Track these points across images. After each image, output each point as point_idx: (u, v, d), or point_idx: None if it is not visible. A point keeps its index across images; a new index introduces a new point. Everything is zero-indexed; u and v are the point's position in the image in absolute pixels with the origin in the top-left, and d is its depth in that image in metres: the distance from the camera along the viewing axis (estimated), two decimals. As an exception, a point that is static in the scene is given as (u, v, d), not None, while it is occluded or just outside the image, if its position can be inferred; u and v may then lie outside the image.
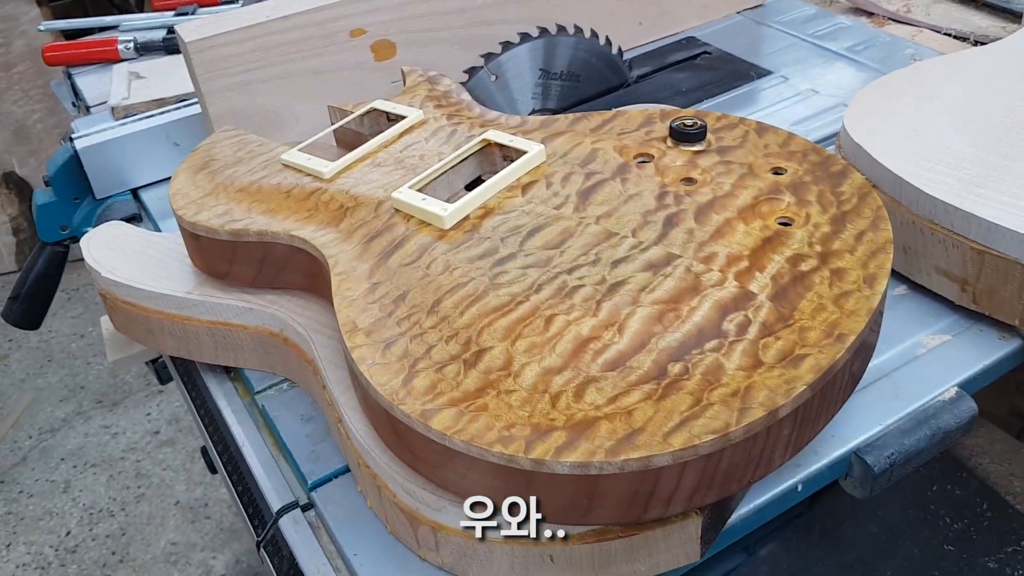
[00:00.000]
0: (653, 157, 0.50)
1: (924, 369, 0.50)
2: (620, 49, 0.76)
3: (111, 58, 0.93)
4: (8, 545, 1.45)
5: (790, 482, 0.45)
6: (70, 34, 1.12)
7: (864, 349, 0.41)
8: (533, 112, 0.75)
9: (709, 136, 0.51)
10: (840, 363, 0.38)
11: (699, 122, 0.51)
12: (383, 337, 0.41)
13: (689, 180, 0.48)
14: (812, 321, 0.39)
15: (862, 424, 0.47)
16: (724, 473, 0.37)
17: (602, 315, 0.40)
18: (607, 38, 0.75)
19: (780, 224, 0.45)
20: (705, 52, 0.82)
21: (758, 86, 0.77)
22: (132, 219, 0.70)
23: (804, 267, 0.42)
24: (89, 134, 0.71)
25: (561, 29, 0.73)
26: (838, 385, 0.40)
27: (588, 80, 0.76)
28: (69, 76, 0.94)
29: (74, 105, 0.95)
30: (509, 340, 0.40)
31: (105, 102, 0.83)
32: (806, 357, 0.38)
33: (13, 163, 1.97)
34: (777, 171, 0.49)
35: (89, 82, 0.91)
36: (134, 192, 0.73)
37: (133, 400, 1.69)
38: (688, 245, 0.43)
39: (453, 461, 0.37)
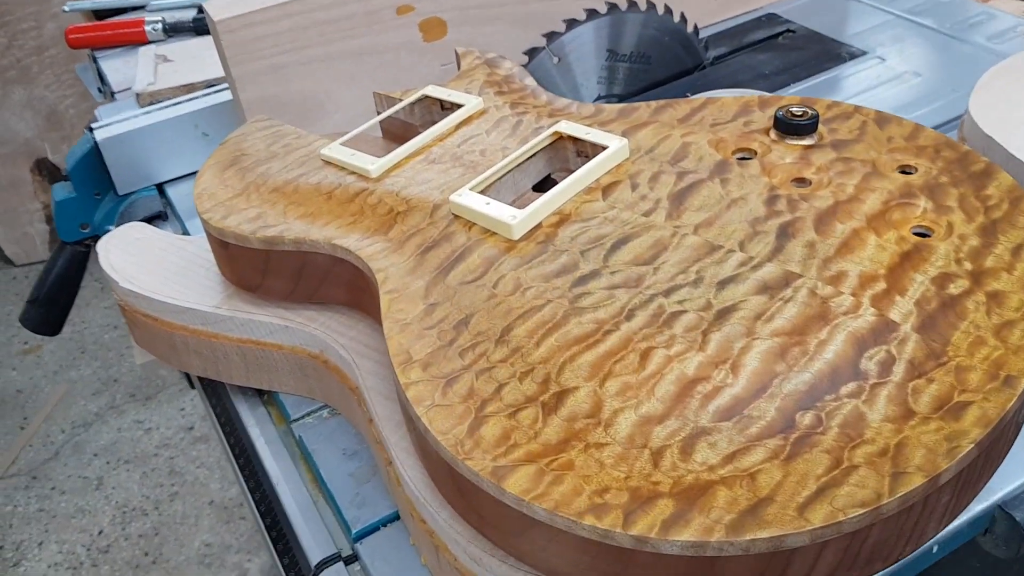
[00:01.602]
0: (756, 153, 0.43)
1: (1077, 404, 0.42)
2: (696, 27, 0.69)
3: (138, 40, 0.87)
4: (40, 544, 1.41)
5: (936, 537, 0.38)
6: (101, 14, 1.07)
7: (1032, 392, 0.34)
8: (599, 99, 0.68)
9: (821, 127, 0.44)
10: (1010, 413, 0.31)
11: (809, 111, 0.43)
12: (443, 371, 0.35)
13: (802, 181, 0.41)
14: (971, 359, 0.32)
15: (1007, 471, 0.39)
16: (870, 551, 0.29)
17: (710, 349, 0.33)
18: (682, 15, 0.67)
19: (917, 235, 0.37)
20: (788, 30, 0.74)
21: (850, 68, 0.69)
22: (157, 217, 0.64)
23: (954, 289, 0.34)
24: (110, 124, 0.65)
25: (631, 5, 0.66)
26: (1004, 438, 0.32)
27: (659, 62, 0.69)
28: (95, 60, 0.88)
29: (100, 91, 0.89)
30: (597, 379, 0.33)
31: (130, 88, 0.77)
32: (969, 406, 0.30)
33: (46, 149, 1.93)
34: (906, 170, 0.41)
35: (115, 66, 0.85)
36: (159, 187, 0.67)
37: (167, 394, 1.65)
38: (810, 262, 0.36)
39: (531, 530, 0.30)
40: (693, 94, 0.66)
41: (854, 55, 0.69)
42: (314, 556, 0.41)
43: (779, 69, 0.69)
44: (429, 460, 0.35)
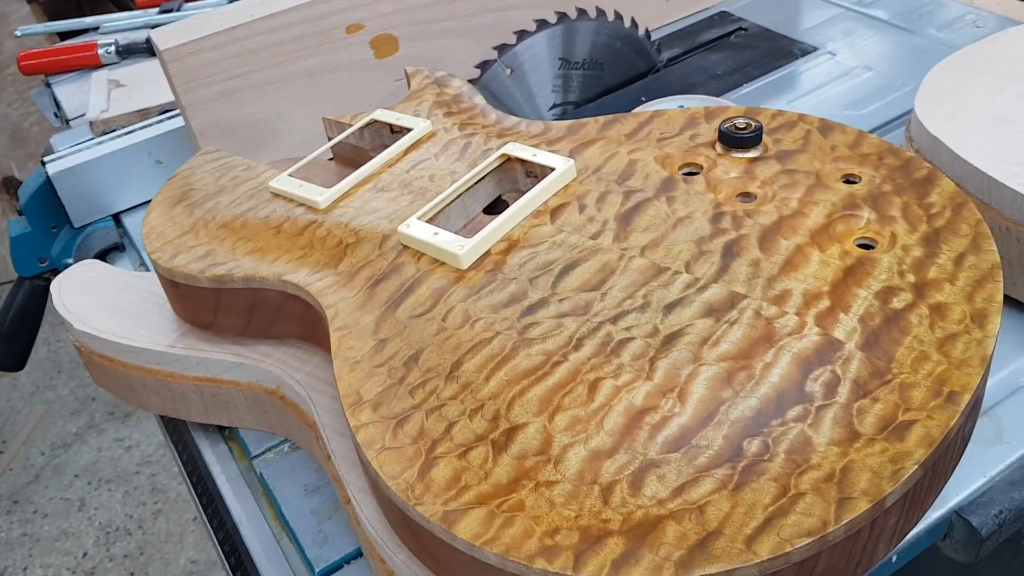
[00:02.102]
0: (702, 168, 0.43)
1: (1030, 403, 0.42)
2: (647, 31, 0.68)
3: (92, 63, 0.86)
4: (25, 569, 1.40)
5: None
6: (65, 35, 1.05)
7: (977, 405, 0.34)
8: (554, 107, 0.68)
9: (765, 139, 0.44)
10: (954, 430, 0.31)
11: (753, 123, 0.43)
12: (393, 411, 0.35)
13: (747, 195, 0.41)
14: (914, 376, 0.32)
15: (962, 477, 0.40)
16: (820, 578, 0.30)
17: (657, 377, 0.33)
18: (632, 19, 0.67)
19: (861, 247, 0.37)
20: (740, 28, 0.74)
21: (802, 65, 0.69)
22: (114, 248, 0.63)
23: (897, 304, 0.35)
24: (62, 156, 0.64)
25: (581, 12, 0.65)
26: (950, 455, 0.32)
27: (613, 67, 0.69)
28: (48, 85, 0.87)
29: (56, 116, 0.88)
30: (546, 414, 0.33)
31: (84, 114, 0.76)
32: (913, 425, 0.30)
33: (12, 167, 1.91)
34: (849, 179, 0.41)
35: (69, 91, 0.84)
36: (115, 217, 0.66)
37: (145, 411, 1.63)
38: (755, 281, 0.36)
39: (485, 574, 0.30)
40: (648, 98, 0.66)
41: (806, 52, 0.70)
42: (279, 596, 0.40)
43: (732, 69, 0.69)
44: (383, 502, 0.35)
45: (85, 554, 1.41)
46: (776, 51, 0.70)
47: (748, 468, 0.30)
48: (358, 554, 0.41)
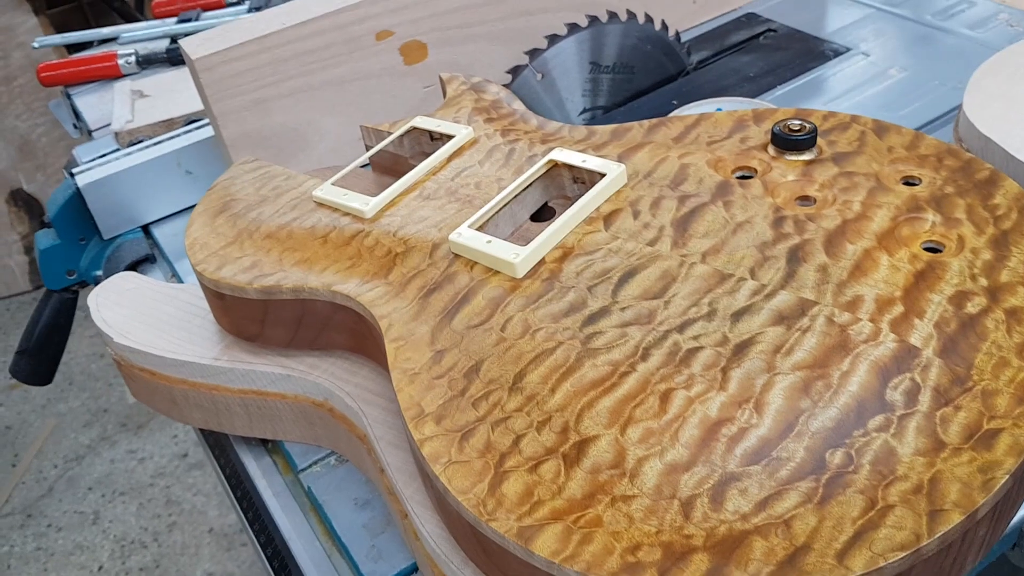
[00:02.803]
0: (756, 171, 0.42)
1: (1095, 408, 0.41)
2: (677, 33, 0.68)
3: (112, 74, 0.85)
4: (40, 583, 1.39)
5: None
6: (73, 47, 1.05)
7: (1059, 411, 0.33)
8: (584, 112, 0.67)
9: (819, 140, 0.43)
10: (1042, 437, 0.30)
11: (807, 124, 0.43)
12: (458, 424, 0.34)
13: (806, 199, 0.40)
14: (996, 382, 0.31)
15: (1031, 483, 0.39)
16: (911, 592, 0.29)
17: (732, 388, 0.32)
18: (663, 22, 0.67)
19: (927, 251, 0.37)
20: (769, 30, 0.74)
21: (835, 67, 0.68)
22: (145, 260, 0.62)
23: (972, 308, 0.34)
24: (91, 167, 0.63)
25: (612, 16, 0.65)
26: (1036, 462, 0.32)
27: (643, 70, 0.68)
28: (68, 96, 0.86)
29: (76, 127, 0.87)
30: (618, 426, 0.32)
31: (107, 124, 0.75)
32: (1000, 433, 0.30)
33: (20, 180, 1.90)
34: (910, 181, 0.40)
35: (89, 102, 0.84)
36: (145, 229, 0.65)
37: (158, 422, 1.63)
38: (824, 287, 0.35)
39: (563, 591, 0.30)
40: (679, 101, 0.65)
41: (838, 52, 0.69)
42: (334, 614, 0.40)
43: (763, 71, 0.68)
44: (450, 518, 0.34)
45: (100, 567, 1.40)
46: (807, 52, 0.70)
47: (833, 480, 0.29)
48: (413, 569, 0.40)
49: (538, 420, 0.33)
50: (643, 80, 0.69)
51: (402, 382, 0.36)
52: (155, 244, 0.64)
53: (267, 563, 0.43)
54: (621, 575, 0.28)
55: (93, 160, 0.65)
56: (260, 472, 0.46)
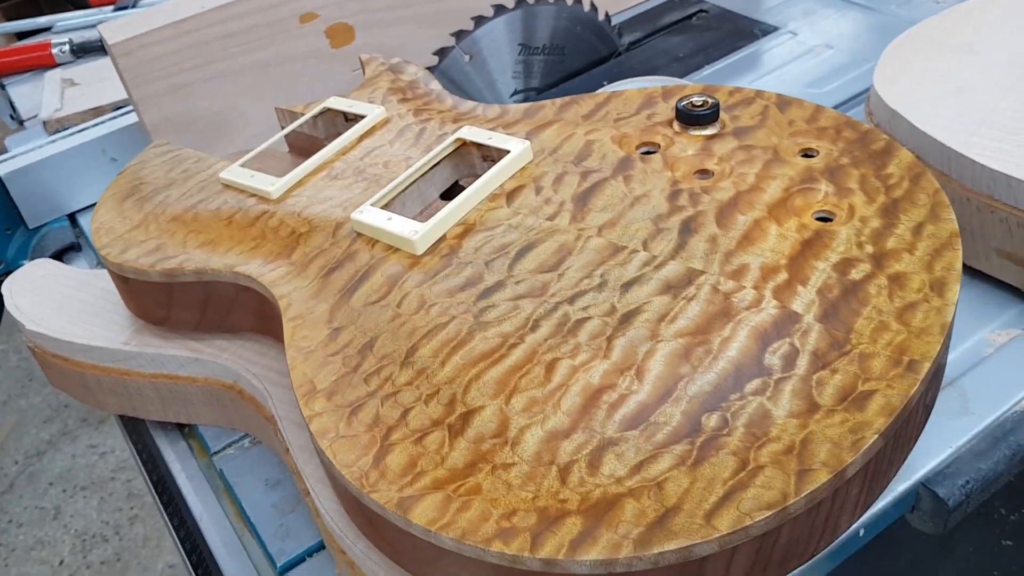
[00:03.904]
0: (659, 146, 0.42)
1: (994, 373, 0.42)
2: (607, 14, 0.68)
3: (46, 63, 0.85)
4: (-1, 580, 1.38)
5: (850, 528, 0.38)
6: (23, 35, 1.03)
7: (938, 374, 0.34)
8: (515, 93, 0.67)
9: (723, 115, 0.43)
10: (915, 398, 0.30)
11: (709, 100, 0.43)
12: (348, 399, 0.34)
13: (705, 172, 0.40)
14: (874, 345, 0.32)
15: (928, 448, 0.39)
16: (783, 551, 0.29)
17: (615, 356, 0.33)
18: (591, 3, 0.67)
19: (819, 220, 0.37)
20: (701, 10, 0.74)
21: (764, 45, 0.68)
22: (70, 248, 0.62)
23: (855, 275, 0.34)
24: (15, 156, 0.63)
25: (539, -3, 0.65)
26: (912, 424, 0.32)
27: (574, 52, 0.68)
28: (2, 86, 0.85)
29: (12, 118, 0.86)
30: (503, 396, 0.32)
31: (38, 114, 0.75)
32: (873, 395, 0.30)
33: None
34: (807, 153, 0.41)
35: (23, 92, 0.83)
36: (71, 217, 0.65)
37: (103, 411, 1.61)
38: (712, 257, 0.36)
39: (443, 559, 0.30)
40: (609, 82, 0.66)
41: (766, 32, 0.69)
42: (241, 593, 0.40)
43: (693, 51, 0.68)
44: (339, 492, 0.34)
45: (62, 562, 1.39)
46: (737, 32, 0.70)
47: (707, 443, 0.30)
48: (320, 547, 0.40)
49: (426, 393, 0.33)
50: (574, 62, 0.69)
51: (296, 360, 0.36)
52: (81, 232, 0.64)
53: (179, 545, 0.43)
54: (495, 540, 0.28)
55: (19, 149, 0.65)
56: (175, 456, 0.46)
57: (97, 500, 1.48)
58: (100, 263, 0.61)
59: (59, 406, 1.67)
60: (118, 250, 0.43)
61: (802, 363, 0.31)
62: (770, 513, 0.27)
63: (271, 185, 0.44)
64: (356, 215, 0.41)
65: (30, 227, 0.64)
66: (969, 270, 0.46)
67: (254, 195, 0.45)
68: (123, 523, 1.43)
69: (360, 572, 0.35)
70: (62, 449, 1.59)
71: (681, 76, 0.66)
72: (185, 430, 0.48)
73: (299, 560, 0.40)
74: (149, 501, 1.45)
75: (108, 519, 1.44)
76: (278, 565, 0.40)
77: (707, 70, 0.67)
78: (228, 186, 0.46)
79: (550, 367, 0.33)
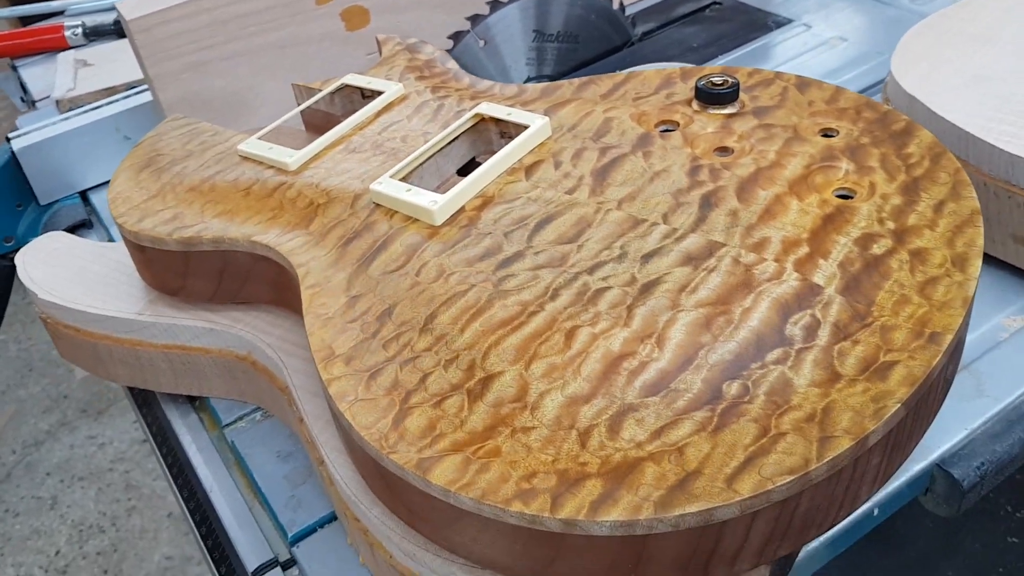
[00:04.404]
0: (679, 124, 0.42)
1: (1009, 357, 0.42)
2: (622, 4, 0.68)
3: (59, 46, 0.84)
4: (-4, 568, 1.38)
5: (864, 507, 0.37)
6: (29, 20, 1.03)
7: (959, 348, 0.33)
8: (528, 80, 0.67)
9: (742, 96, 0.43)
10: (936, 370, 0.30)
11: (730, 79, 0.43)
12: (367, 365, 0.34)
13: (724, 150, 0.40)
14: (895, 318, 0.32)
15: (943, 429, 0.39)
16: (802, 519, 0.29)
17: (635, 324, 0.32)
18: (606, -8, 0.67)
19: (840, 198, 0.37)
20: (715, 2, 0.74)
21: (777, 37, 0.68)
22: (81, 226, 0.62)
23: (877, 249, 0.34)
24: (28, 132, 0.63)
25: (554, -16, 0.65)
26: (932, 396, 0.32)
27: (587, 40, 0.68)
28: (15, 69, 0.85)
29: (23, 100, 0.86)
30: (522, 362, 0.32)
31: (50, 95, 0.75)
32: (895, 365, 0.30)
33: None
34: (827, 133, 0.41)
35: (36, 74, 0.83)
36: (83, 194, 0.65)
37: (118, 407, 1.61)
38: (733, 230, 0.36)
39: (461, 521, 0.30)
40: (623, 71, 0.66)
41: (780, 23, 0.69)
42: (250, 563, 0.39)
43: (706, 42, 0.69)
44: (356, 456, 0.34)
45: (58, 552, 1.39)
46: (751, 23, 0.70)
47: (728, 410, 0.29)
48: (332, 518, 0.40)
49: (446, 359, 0.33)
50: (588, 50, 0.69)
51: (315, 326, 0.36)
52: (93, 210, 0.64)
53: (189, 517, 0.43)
54: (514, 501, 0.28)
55: (32, 127, 0.65)
56: (186, 428, 0.46)
57: (95, 491, 1.47)
58: (112, 240, 0.61)
59: (58, 396, 1.67)
60: (135, 219, 0.43)
61: (823, 334, 0.31)
62: (792, 478, 0.27)
63: (289, 157, 0.44)
64: (375, 186, 0.41)
65: (42, 203, 0.64)
66: (985, 256, 0.46)
67: (272, 167, 0.45)
68: (120, 514, 1.43)
69: (374, 539, 0.34)
70: (60, 439, 1.58)
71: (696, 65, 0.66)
72: (196, 403, 0.48)
73: (310, 531, 0.40)
74: (147, 493, 1.45)
75: (105, 510, 1.44)
76: (289, 535, 0.39)
77: (720, 60, 0.67)
78: (246, 158, 0.46)
79: (570, 334, 0.33)
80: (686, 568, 0.29)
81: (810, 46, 0.67)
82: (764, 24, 0.70)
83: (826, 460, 0.28)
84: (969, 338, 0.43)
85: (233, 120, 0.62)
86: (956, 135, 0.45)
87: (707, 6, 0.74)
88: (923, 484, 0.39)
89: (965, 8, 0.54)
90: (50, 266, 0.49)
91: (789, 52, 0.67)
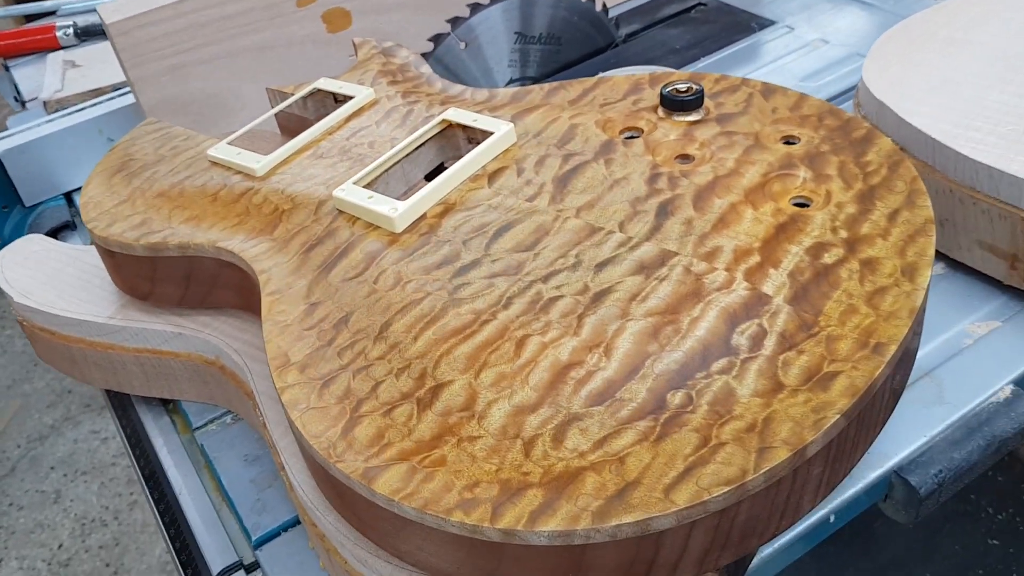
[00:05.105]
0: (642, 131, 0.43)
1: (972, 364, 0.42)
2: (604, 5, 0.68)
3: (51, 46, 0.85)
4: (0, 560, 1.39)
5: (820, 513, 0.38)
6: (31, 19, 1.04)
7: (907, 358, 0.34)
8: (511, 82, 0.67)
9: (707, 102, 0.44)
10: (880, 380, 0.31)
11: (694, 86, 0.43)
12: (320, 372, 0.34)
13: (686, 157, 0.41)
14: (841, 328, 0.32)
15: (902, 436, 0.40)
16: (742, 529, 0.29)
17: (584, 333, 0.33)
18: (588, -6, 0.67)
19: (796, 206, 0.37)
20: (700, 3, 0.74)
21: (760, 39, 0.68)
22: (65, 227, 0.62)
23: (828, 259, 0.34)
24: (12, 134, 0.63)
25: (536, -14, 0.65)
26: (877, 406, 0.32)
27: (570, 42, 0.68)
28: (7, 68, 0.86)
29: (16, 100, 0.87)
30: (472, 371, 0.32)
31: (38, 96, 0.75)
32: (837, 376, 0.30)
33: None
34: (789, 140, 0.41)
35: (27, 74, 0.83)
36: (67, 196, 0.66)
37: (89, 385, 1.62)
38: (686, 239, 0.36)
39: (406, 530, 0.30)
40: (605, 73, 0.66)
41: (763, 25, 0.69)
42: (216, 565, 0.40)
43: (690, 43, 0.69)
44: (309, 463, 0.34)
45: (61, 546, 1.40)
46: (735, 25, 0.70)
47: (671, 420, 0.30)
48: (296, 521, 0.40)
49: (398, 367, 0.33)
50: (571, 52, 0.69)
51: (272, 333, 0.36)
52: (77, 212, 0.65)
53: (159, 519, 0.44)
54: (456, 511, 0.28)
55: (17, 128, 0.65)
56: (158, 431, 0.47)
57: (98, 485, 1.48)
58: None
59: (63, 391, 1.68)
60: (104, 224, 0.44)
61: (769, 343, 0.32)
62: (728, 489, 0.28)
63: (256, 163, 0.44)
64: (338, 193, 0.41)
65: (26, 205, 0.64)
66: (951, 262, 0.46)
67: (240, 172, 0.45)
68: (123, 508, 1.44)
69: (330, 544, 0.35)
70: (64, 434, 1.60)
71: (677, 68, 0.66)
72: (169, 406, 0.48)
73: (274, 534, 0.40)
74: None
75: (108, 504, 1.45)
76: (253, 539, 0.40)
77: (703, 62, 0.67)
78: (215, 163, 0.46)
79: (520, 343, 0.33)
80: (625, 577, 0.29)
81: (792, 48, 0.67)
82: (748, 26, 0.70)
83: (763, 471, 0.28)
84: (932, 344, 0.43)
85: (214, 123, 0.62)
86: (922, 141, 0.45)
87: (692, 7, 0.74)
88: (882, 491, 0.39)
89: (939, 12, 0.54)
90: (27, 269, 0.50)
91: (772, 54, 0.66)
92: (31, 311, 0.47)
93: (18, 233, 0.64)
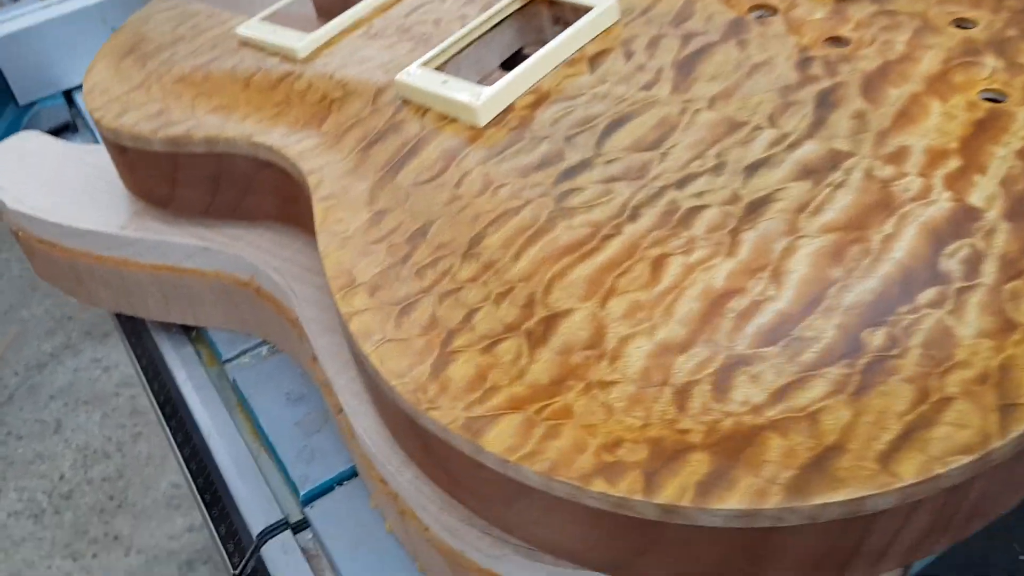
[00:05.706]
0: (778, 9, 0.35)
1: None
2: None
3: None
4: (-2, 492, 1.34)
5: None
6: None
7: None
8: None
9: (854, -24, 0.35)
10: None
11: (839, -45, 0.35)
12: (397, 296, 0.27)
13: (838, 40, 0.33)
14: (1078, 251, 0.24)
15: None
16: (970, 508, 0.22)
17: (743, 254, 0.25)
18: None
19: (987, 101, 0.30)
20: None
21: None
22: (65, 128, 0.55)
23: (1046, 164, 0.27)
24: (3, 22, 0.55)
25: None
26: None
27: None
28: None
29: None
30: (596, 299, 0.25)
31: (32, -17, 0.67)
32: (1087, 311, 0.23)
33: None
34: (962, 24, 0.33)
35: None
36: (67, 94, 0.58)
37: (97, 307, 1.55)
38: (862, 136, 0.28)
39: (521, 499, 0.23)
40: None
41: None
42: (256, 524, 0.33)
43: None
44: (385, 408, 0.27)
45: (62, 477, 1.35)
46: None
47: (872, 366, 0.22)
48: (353, 474, 0.33)
49: (497, 292, 0.26)
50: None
51: (331, 246, 0.29)
52: (78, 111, 0.57)
53: (183, 465, 0.37)
54: (595, 478, 0.21)
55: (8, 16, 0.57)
56: (180, 362, 0.40)
57: (99, 415, 1.43)
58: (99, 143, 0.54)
59: (62, 318, 1.61)
60: (114, 113, 0.36)
61: (989, 269, 0.24)
62: (968, 459, 0.21)
63: (299, 41, 0.36)
64: (402, 77, 0.33)
65: (20, 104, 0.56)
66: None
67: (277, 54, 0.37)
68: (126, 440, 1.38)
69: (405, 506, 0.28)
70: (64, 362, 1.53)
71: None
72: (192, 334, 0.41)
73: (326, 488, 0.33)
74: (153, 419, 1.40)
75: (111, 435, 1.39)
76: (301, 493, 0.33)
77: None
78: (246, 43, 0.38)
79: (657, 265, 0.26)
80: (816, 570, 0.22)
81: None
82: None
83: (1012, 435, 0.21)
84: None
85: (235, 3, 0.54)
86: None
87: None
88: None
89: None
90: (22, 170, 0.42)
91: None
92: (28, 219, 0.40)
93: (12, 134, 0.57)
